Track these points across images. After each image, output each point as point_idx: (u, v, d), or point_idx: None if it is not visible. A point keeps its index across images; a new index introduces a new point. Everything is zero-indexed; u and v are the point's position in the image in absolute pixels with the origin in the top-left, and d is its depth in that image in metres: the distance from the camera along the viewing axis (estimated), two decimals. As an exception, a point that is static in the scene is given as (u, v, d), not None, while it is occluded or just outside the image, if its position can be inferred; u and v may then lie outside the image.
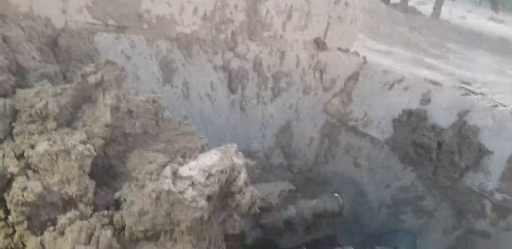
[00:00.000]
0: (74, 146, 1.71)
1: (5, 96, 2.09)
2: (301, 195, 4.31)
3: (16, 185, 1.68)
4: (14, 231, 1.82)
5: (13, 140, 1.86)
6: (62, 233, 1.61)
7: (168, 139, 2.14)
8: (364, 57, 4.18)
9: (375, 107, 3.96)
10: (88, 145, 1.75)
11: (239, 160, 1.97)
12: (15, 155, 1.79)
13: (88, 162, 1.74)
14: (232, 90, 3.84)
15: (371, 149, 3.99)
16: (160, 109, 2.13)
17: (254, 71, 3.89)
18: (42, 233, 1.72)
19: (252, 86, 3.92)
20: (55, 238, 1.62)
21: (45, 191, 1.68)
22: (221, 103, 3.81)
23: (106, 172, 2.01)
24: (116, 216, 1.79)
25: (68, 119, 1.92)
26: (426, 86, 3.78)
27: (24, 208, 1.66)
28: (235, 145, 2.09)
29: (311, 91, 4.16)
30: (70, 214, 1.64)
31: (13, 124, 1.89)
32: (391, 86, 3.94)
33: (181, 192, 1.69)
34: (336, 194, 4.32)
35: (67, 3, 2.83)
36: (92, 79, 1.93)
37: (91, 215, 1.77)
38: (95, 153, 1.77)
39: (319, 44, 4.02)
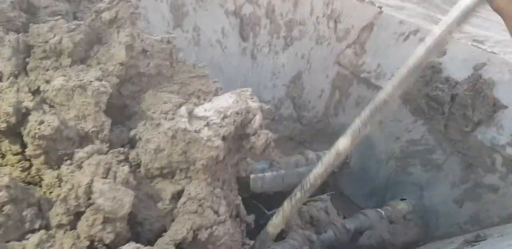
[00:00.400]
0: (90, 82, 1.71)
1: (16, 33, 2.09)
2: (309, 147, 4.37)
3: (32, 118, 1.69)
4: (31, 165, 1.86)
5: (28, 76, 1.86)
6: (79, 167, 1.63)
7: (182, 81, 2.13)
8: (380, 7, 4.06)
9: (388, 59, 3.90)
10: (104, 82, 1.75)
11: (254, 103, 1.97)
12: (30, 90, 1.80)
13: (104, 98, 1.75)
14: (244, 38, 3.78)
15: (383, 101, 3.97)
16: (174, 50, 2.11)
17: (267, 18, 3.81)
18: (58, 168, 1.76)
19: (264, 34, 3.85)
20: (72, 171, 1.65)
21: (61, 126, 1.69)
22: (232, 50, 3.76)
23: (120, 112, 2.02)
24: (132, 154, 1.82)
25: (82, 56, 1.91)
26: (443, 38, 3.69)
27: (41, 142, 1.69)
28: (250, 89, 2.09)
29: (324, 41, 4.09)
30: (88, 148, 1.66)
31: (27, 59, 1.89)
32: (406, 37, 3.86)
33: (196, 131, 1.71)
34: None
35: None
36: (106, 16, 1.90)
37: (106, 152, 1.80)
38: (110, 90, 1.76)
39: (335, -8, 3.90)
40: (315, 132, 4.49)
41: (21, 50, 1.91)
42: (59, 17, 1.96)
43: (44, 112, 1.72)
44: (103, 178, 1.56)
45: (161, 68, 2.07)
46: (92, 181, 1.55)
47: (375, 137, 4.14)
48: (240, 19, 3.70)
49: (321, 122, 4.48)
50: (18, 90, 1.79)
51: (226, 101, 1.92)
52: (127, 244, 1.54)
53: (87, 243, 1.60)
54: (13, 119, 1.75)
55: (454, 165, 3.58)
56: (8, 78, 1.80)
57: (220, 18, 3.62)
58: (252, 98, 1.99)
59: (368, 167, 4.26)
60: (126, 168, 1.64)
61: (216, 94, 2.18)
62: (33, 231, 1.61)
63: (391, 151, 4.03)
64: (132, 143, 1.95)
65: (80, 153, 1.65)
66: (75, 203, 1.59)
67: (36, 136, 1.67)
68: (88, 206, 1.61)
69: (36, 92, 1.82)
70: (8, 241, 1.55)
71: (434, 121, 3.59)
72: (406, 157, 3.92)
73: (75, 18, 2.55)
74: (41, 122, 1.68)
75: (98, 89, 1.72)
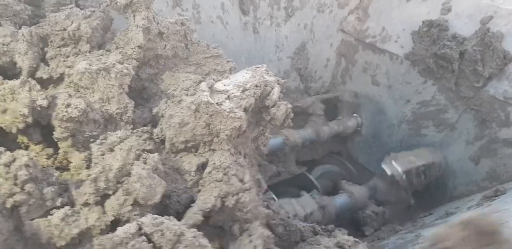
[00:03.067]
0: (113, 65, 1.82)
1: (21, 27, 2.20)
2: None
3: (59, 102, 1.78)
4: (55, 152, 1.96)
5: (48, 65, 1.98)
6: (111, 150, 1.74)
7: (197, 62, 2.24)
8: (379, -31, 4.12)
9: (393, 21, 3.96)
10: (126, 64, 1.87)
11: (271, 77, 2.10)
12: (52, 79, 1.92)
13: (127, 80, 1.85)
14: (244, 11, 3.85)
15: (390, 65, 4.06)
16: (189, 31, 2.21)
17: (266, -11, 3.89)
18: (85, 150, 1.88)
19: (264, 6, 3.91)
20: (102, 154, 1.75)
21: (88, 108, 1.79)
22: (233, 26, 3.83)
23: (139, 94, 2.14)
24: (156, 131, 1.95)
25: (100, 42, 2.01)
26: (446, -5, 3.75)
27: (68, 124, 1.78)
28: (264, 65, 2.22)
29: (325, 8, 4.16)
30: (121, 133, 1.76)
31: (46, 49, 2.00)
32: (409, -2, 3.93)
33: (219, 104, 1.83)
34: (354, 114, 4.51)
35: None
36: (122, 1, 1.98)
37: (131, 133, 1.94)
38: (133, 72, 1.88)
39: (332, -43, 3.96)
40: (324, 102, 4.61)
41: (36, 42, 1.99)
42: (73, 5, 2.06)
43: (70, 96, 1.83)
44: (137, 164, 1.69)
45: (177, 50, 2.17)
46: (122, 166, 1.66)
47: (384, 102, 4.25)
48: (239, -7, 3.78)
49: (329, 92, 4.60)
50: (30, 89, 1.83)
51: (243, 76, 2.04)
52: (146, 215, 1.62)
53: (112, 218, 1.71)
54: (30, 119, 1.82)
55: (467, 122, 3.69)
56: (28, 72, 1.91)
57: (219, -7, 3.70)
58: (267, 73, 2.12)
59: (380, 133, 4.38)
60: (156, 155, 1.74)
61: (230, 73, 2.29)
62: (56, 209, 1.69)
63: (403, 115, 4.14)
64: (153, 122, 2.08)
65: (113, 137, 1.74)
66: (105, 186, 1.69)
67: (64, 118, 1.77)
68: (117, 190, 1.71)
69: (59, 79, 1.95)
70: (32, 219, 1.64)
71: (444, 80, 3.68)
72: (418, 119, 4.03)
73: (77, 6, 2.66)
74: (68, 105, 1.77)
75: (122, 71, 1.82)
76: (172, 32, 2.13)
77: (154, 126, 2.05)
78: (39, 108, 1.84)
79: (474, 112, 3.60)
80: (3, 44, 1.96)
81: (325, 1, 4.12)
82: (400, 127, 4.18)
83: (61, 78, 1.95)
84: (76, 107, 1.76)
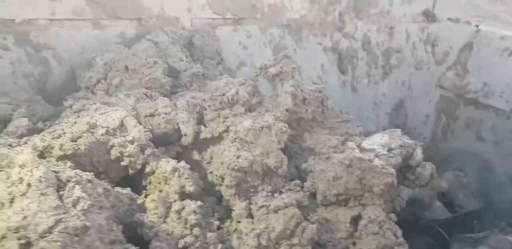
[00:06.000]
0: (273, 123, 2.22)
1: (165, 96, 2.66)
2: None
3: (230, 153, 2.20)
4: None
5: (206, 126, 2.40)
6: (275, 212, 2.07)
7: (331, 125, 2.65)
8: (477, 25, 4.46)
9: (495, 76, 4.22)
10: (283, 123, 2.26)
11: (409, 140, 2.42)
12: (213, 138, 2.32)
13: (285, 137, 2.25)
14: (343, 71, 4.26)
15: (496, 120, 4.25)
16: (325, 98, 2.64)
17: (363, 50, 4.28)
18: (246, 199, 2.22)
19: (362, 65, 4.31)
20: (267, 212, 2.09)
21: (254, 160, 2.19)
22: (332, 84, 4.23)
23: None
24: (306, 184, 2.28)
25: (250, 105, 2.44)
26: (550, 48, 3.99)
27: (237, 174, 2.16)
28: (399, 129, 2.55)
29: (423, 65, 4.50)
30: (287, 199, 2.10)
31: (205, 112, 2.43)
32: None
33: (370, 160, 2.15)
34: (459, 172, 4.65)
35: (191, 2, 3.36)
36: (272, 71, 2.45)
37: (283, 186, 2.28)
38: (289, 130, 2.26)
39: (429, 16, 4.35)
40: (425, 160, 4.80)
41: (191, 109, 2.47)
42: (226, 75, 2.52)
43: (238, 149, 2.23)
44: (291, 235, 2.00)
45: (315, 114, 2.61)
46: (284, 230, 1.98)
47: (492, 159, 4.38)
48: (337, 54, 4.19)
49: (429, 149, 4.78)
50: (179, 176, 2.21)
51: (381, 138, 2.38)
52: None
53: None
54: (180, 201, 2.14)
55: None
56: (193, 137, 2.37)
57: (319, 55, 4.13)
58: (404, 136, 2.44)
59: (489, 192, 4.45)
60: (314, 227, 2.05)
61: (360, 136, 2.65)
62: None
63: (513, 172, 4.27)
64: (299, 177, 2.41)
65: (278, 201, 2.09)
66: (265, 244, 2.02)
67: (235, 168, 2.15)
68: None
69: (218, 137, 2.38)
70: None
71: (557, 134, 3.85)
72: (531, 176, 4.15)
73: (202, 75, 3.12)
74: (238, 157, 2.17)
75: (281, 129, 2.24)
76: (312, 98, 2.55)
77: (300, 179, 2.37)
78: (187, 193, 2.22)
79: None
80: (166, 114, 2.40)
81: (422, 58, 4.46)
82: (511, 185, 4.28)
83: (219, 137, 2.35)
84: (246, 159, 2.15)
